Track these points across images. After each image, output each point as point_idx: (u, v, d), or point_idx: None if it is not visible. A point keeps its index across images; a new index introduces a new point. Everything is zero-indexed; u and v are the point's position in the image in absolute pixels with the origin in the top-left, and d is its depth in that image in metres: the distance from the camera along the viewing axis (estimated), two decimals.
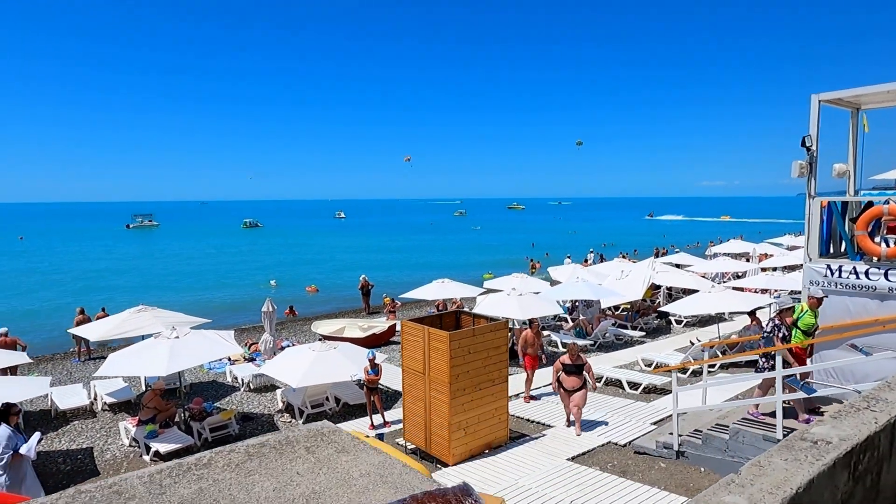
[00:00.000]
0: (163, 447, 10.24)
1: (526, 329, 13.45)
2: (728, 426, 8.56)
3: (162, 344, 10.69)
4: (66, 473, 9.89)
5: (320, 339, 19.40)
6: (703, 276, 22.50)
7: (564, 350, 11.94)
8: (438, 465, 9.24)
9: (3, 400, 9.21)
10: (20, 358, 12.51)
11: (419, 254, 53.91)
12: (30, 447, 7.96)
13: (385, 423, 11.29)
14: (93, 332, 13.28)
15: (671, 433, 9.02)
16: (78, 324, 16.48)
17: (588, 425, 10.47)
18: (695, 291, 18.57)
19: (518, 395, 12.44)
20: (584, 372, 10.22)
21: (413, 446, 9.82)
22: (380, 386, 13.66)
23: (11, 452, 7.91)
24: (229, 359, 17.33)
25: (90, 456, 10.60)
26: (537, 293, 18.11)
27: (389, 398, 13.27)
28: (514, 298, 15.79)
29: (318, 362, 11.56)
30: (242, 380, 14.45)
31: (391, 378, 13.65)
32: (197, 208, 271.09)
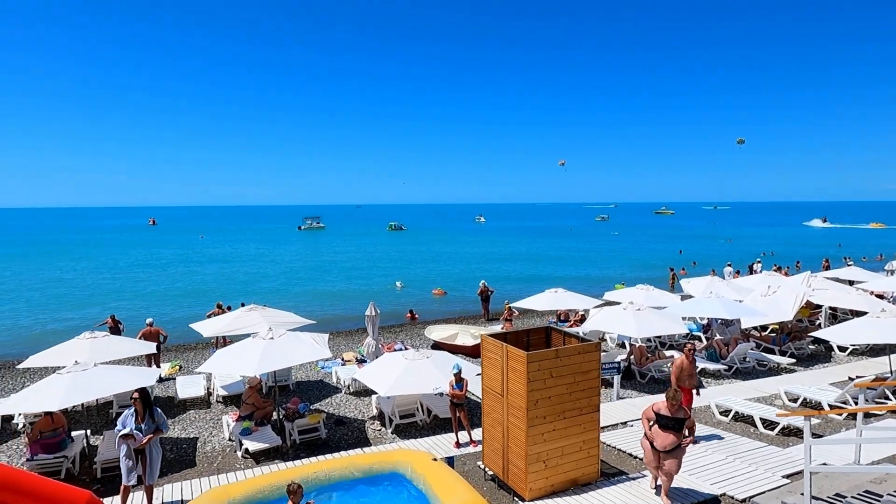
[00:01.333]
0: (252, 445, 10.47)
1: (679, 356, 10.94)
2: (882, 496, 6.68)
3: (257, 344, 10.99)
4: (169, 462, 10.48)
5: (432, 345, 19.36)
6: (879, 296, 18.81)
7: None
8: (516, 499, 8.35)
9: (112, 387, 9.98)
10: (147, 348, 13.62)
11: (546, 262, 52.31)
12: (118, 430, 8.37)
13: (471, 442, 10.60)
14: (207, 328, 14.19)
15: (802, 494, 7.28)
16: (209, 317, 17.89)
17: (701, 469, 8.90)
18: (864, 314, 15.50)
19: (617, 424, 11.04)
20: (685, 429, 7.98)
21: (492, 473, 9.02)
22: (469, 397, 13.00)
23: (123, 431, 8.42)
24: (342, 359, 17.79)
25: (193, 446, 11.20)
26: (662, 308, 16.26)
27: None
28: (630, 313, 14.25)
29: (408, 371, 11.20)
30: (343, 382, 14.60)
31: None
32: (352, 211, 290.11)
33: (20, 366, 13.04)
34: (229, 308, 19.73)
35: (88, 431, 11.50)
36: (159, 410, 8.66)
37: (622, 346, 18.16)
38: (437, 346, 19.05)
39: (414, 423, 12.03)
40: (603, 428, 11.09)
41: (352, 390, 14.34)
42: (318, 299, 32.05)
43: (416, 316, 26.44)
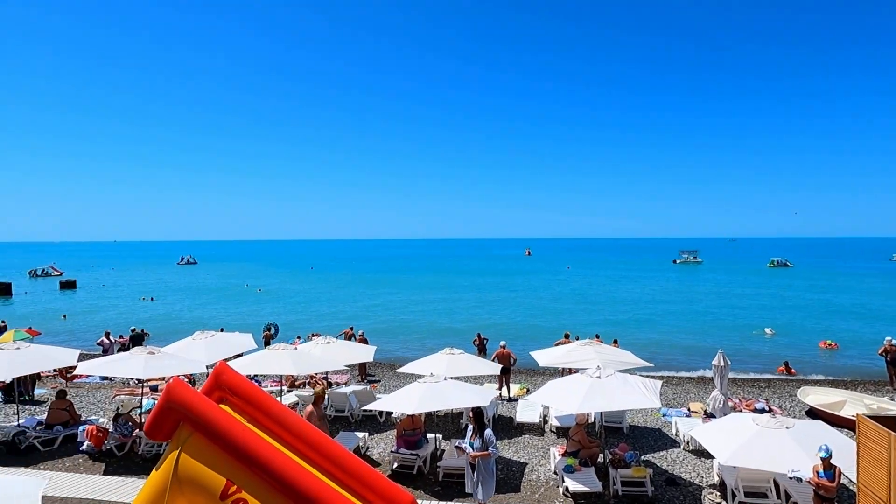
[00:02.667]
0: (573, 485, 10.21)
1: None
2: None
3: (584, 382, 10.71)
4: (497, 482, 11.03)
5: (806, 412, 15.77)
6: None
7: None
8: None
9: (454, 402, 11.12)
10: (493, 368, 14.82)
11: None
12: (458, 441, 9.25)
13: None
14: (543, 357, 14.56)
15: None
16: (556, 345, 18.49)
17: None
18: None
19: None
20: None
21: None
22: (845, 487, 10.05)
23: (457, 443, 9.38)
24: (688, 409, 16.06)
25: (522, 472, 11.57)
26: None
27: None
28: None
29: (758, 440, 9.24)
30: (683, 436, 13.05)
31: None
32: (725, 245, 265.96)
33: (399, 370, 15.84)
34: (577, 338, 20.06)
35: (440, 436, 13.10)
36: (489, 432, 9.22)
37: None
38: (812, 413, 15.45)
39: None
40: None
41: (692, 447, 12.71)
42: (671, 336, 29.99)
43: (794, 370, 22.13)
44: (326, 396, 15.89)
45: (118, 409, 15.45)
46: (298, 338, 25.35)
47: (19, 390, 16.73)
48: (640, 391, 10.31)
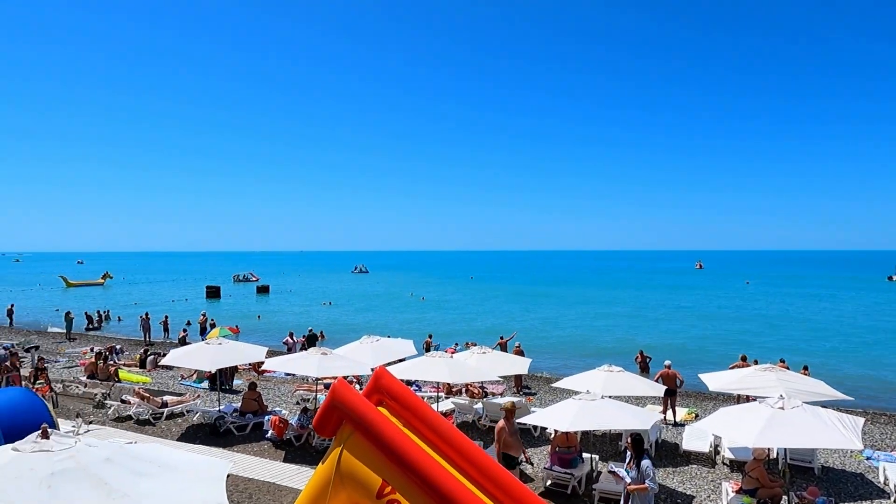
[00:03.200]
0: None
1: None
2: None
3: (763, 412, 9.55)
4: None
5: None
6: None
7: None
8: None
9: (611, 422, 10.56)
10: (657, 390, 13.85)
11: None
12: (612, 466, 8.79)
13: None
14: (714, 381, 13.24)
15: None
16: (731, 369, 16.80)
17: None
18: None
19: None
20: None
21: None
22: None
23: (613, 468, 8.95)
24: None
25: (687, 503, 10.64)
26: None
27: None
28: None
29: None
30: (893, 485, 11.01)
31: None
32: None
33: (554, 384, 15.50)
34: (756, 362, 18.06)
35: (597, 457, 12.54)
36: (648, 462, 8.59)
37: None
38: None
39: None
40: None
41: None
42: (881, 368, 25.68)
43: None
44: (481, 406, 16.08)
45: (306, 403, 17.09)
46: (456, 344, 26.08)
47: (221, 380, 19.27)
48: (835, 428, 8.92)
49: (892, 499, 10.90)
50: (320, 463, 5.81)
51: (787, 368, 13.57)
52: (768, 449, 11.87)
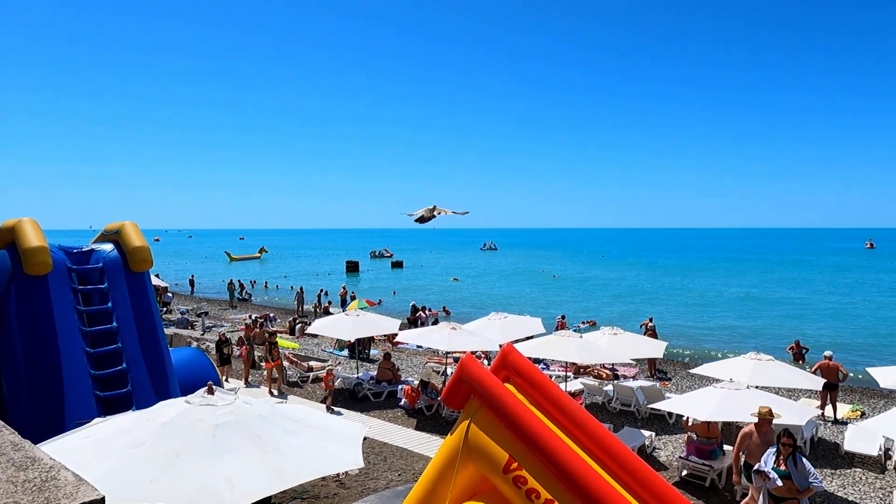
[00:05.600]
0: None
1: None
2: None
3: None
4: None
5: None
6: None
7: None
8: None
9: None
10: (816, 383, 12.51)
11: None
12: (759, 465, 8.09)
13: None
14: (889, 376, 11.59)
15: None
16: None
17: None
18: None
19: None
20: None
21: None
22: None
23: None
24: None
25: None
26: None
27: None
28: None
29: None
30: None
31: None
32: None
33: (692, 370, 14.58)
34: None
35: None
36: (805, 461, 7.82)
37: None
38: None
39: None
40: None
41: None
42: None
43: None
44: (611, 388, 15.60)
45: (424, 377, 17.77)
46: (582, 323, 25.50)
47: (359, 349, 20.56)
48: None
49: None
50: (449, 434, 5.99)
51: None
52: None
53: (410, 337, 15.98)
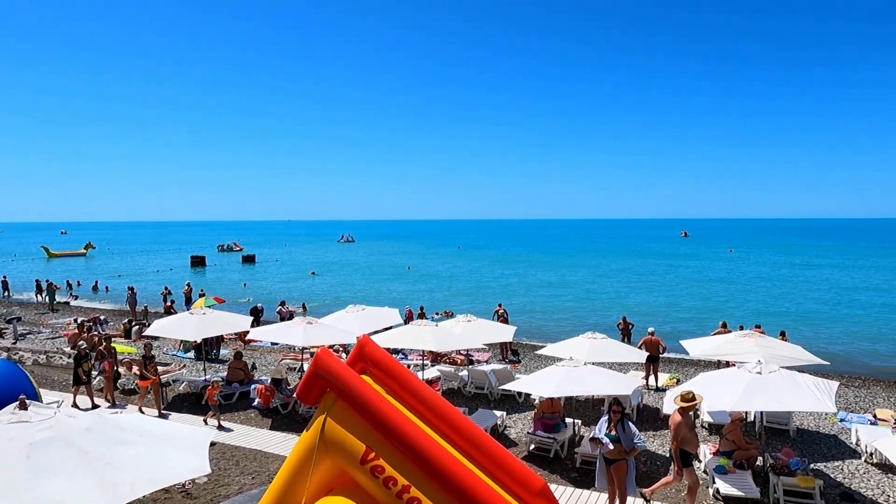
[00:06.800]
0: (725, 488, 9.41)
1: None
2: None
3: (741, 377, 9.74)
4: (640, 475, 10.50)
5: None
6: None
7: None
8: None
9: (594, 388, 10.74)
10: (639, 356, 14.11)
11: None
12: (594, 432, 8.92)
13: None
14: (695, 347, 13.45)
15: None
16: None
17: None
18: None
19: None
20: None
21: None
22: None
23: (592, 434, 9.07)
24: (874, 416, 14.06)
25: (666, 467, 10.89)
26: None
27: None
28: None
29: None
30: (865, 446, 11.38)
31: None
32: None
33: (538, 352, 15.70)
34: (741, 327, 18.38)
35: (580, 422, 12.79)
36: (631, 425, 8.77)
37: None
38: None
39: None
40: None
41: (875, 460, 11.06)
42: (860, 332, 26.30)
43: None
44: (466, 373, 16.25)
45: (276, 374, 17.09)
46: (436, 314, 26.25)
47: (206, 350, 19.24)
48: (809, 392, 9.14)
49: (863, 458, 11.28)
50: (305, 430, 5.86)
51: (764, 334, 13.80)
52: (745, 412, 12.17)
53: (264, 334, 15.31)
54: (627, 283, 46.57)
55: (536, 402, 13.53)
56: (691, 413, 9.10)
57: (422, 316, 23.26)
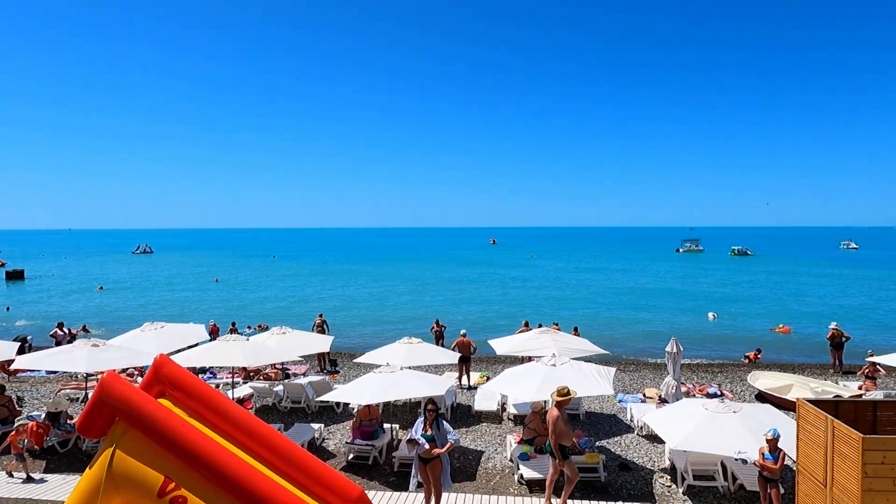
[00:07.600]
0: (528, 472, 10.31)
1: None
2: None
3: (539, 370, 10.81)
4: (454, 470, 11.05)
5: (756, 395, 16.31)
6: None
7: None
8: None
9: (410, 391, 11.01)
10: (450, 357, 14.85)
11: None
12: (410, 434, 9.13)
13: None
14: (501, 345, 14.62)
15: None
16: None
17: None
18: None
19: None
20: None
21: None
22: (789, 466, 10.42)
23: (409, 436, 9.25)
24: (644, 395, 16.41)
25: (478, 460, 11.61)
26: None
27: None
28: None
29: (707, 424, 9.50)
30: (637, 421, 13.31)
31: None
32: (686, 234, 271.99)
33: (356, 360, 15.69)
34: (540, 325, 20.16)
35: (398, 426, 13.03)
36: (445, 423, 9.12)
37: None
38: (761, 397, 16.00)
39: (713, 488, 10.14)
40: None
41: (645, 432, 12.99)
42: (623, 328, 30.64)
43: (755, 356, 22.52)
44: (281, 388, 15.61)
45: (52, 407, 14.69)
46: (248, 328, 24.89)
47: None
48: (593, 378, 10.45)
49: (636, 432, 13.15)
50: (87, 468, 5.14)
51: (560, 330, 15.43)
52: (544, 401, 13.44)
53: (36, 361, 13.09)
54: (439, 289, 48.69)
55: (355, 411, 13.47)
56: (564, 407, 9.28)
57: (233, 331, 21.82)
